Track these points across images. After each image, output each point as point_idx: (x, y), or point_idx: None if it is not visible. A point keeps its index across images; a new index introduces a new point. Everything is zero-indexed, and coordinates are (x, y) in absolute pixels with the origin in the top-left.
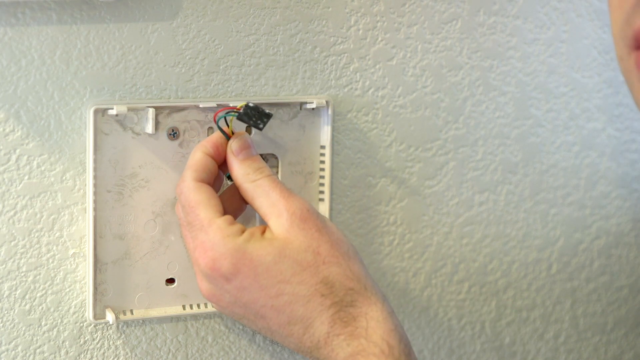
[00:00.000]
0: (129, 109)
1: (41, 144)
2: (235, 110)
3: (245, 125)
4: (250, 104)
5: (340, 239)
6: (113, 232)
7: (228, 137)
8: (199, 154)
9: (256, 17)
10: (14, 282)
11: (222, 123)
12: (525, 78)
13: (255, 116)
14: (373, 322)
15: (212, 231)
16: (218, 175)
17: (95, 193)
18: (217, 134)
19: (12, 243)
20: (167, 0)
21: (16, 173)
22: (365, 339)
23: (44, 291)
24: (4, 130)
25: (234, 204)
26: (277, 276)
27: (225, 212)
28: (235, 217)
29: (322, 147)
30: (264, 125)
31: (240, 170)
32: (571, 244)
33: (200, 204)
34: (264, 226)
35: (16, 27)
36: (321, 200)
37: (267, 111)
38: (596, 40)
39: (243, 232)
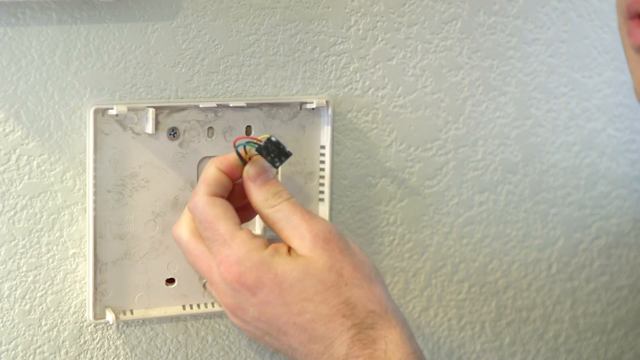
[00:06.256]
0: (129, 109)
1: (41, 144)
2: (256, 141)
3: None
4: (273, 139)
5: (363, 260)
6: (113, 232)
7: (244, 162)
8: (212, 169)
9: (256, 17)
10: (14, 282)
11: (240, 149)
12: (525, 78)
13: (274, 152)
14: (392, 345)
15: (235, 245)
16: (233, 192)
17: (95, 193)
18: (233, 154)
19: (12, 243)
20: (167, 0)
21: (16, 173)
22: None
23: (44, 291)
24: (4, 130)
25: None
26: (300, 294)
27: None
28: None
29: (322, 147)
30: (280, 164)
31: (260, 197)
32: (571, 244)
33: (218, 218)
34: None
35: (16, 27)
36: (321, 200)
37: (287, 150)
38: (596, 40)
39: (266, 245)
